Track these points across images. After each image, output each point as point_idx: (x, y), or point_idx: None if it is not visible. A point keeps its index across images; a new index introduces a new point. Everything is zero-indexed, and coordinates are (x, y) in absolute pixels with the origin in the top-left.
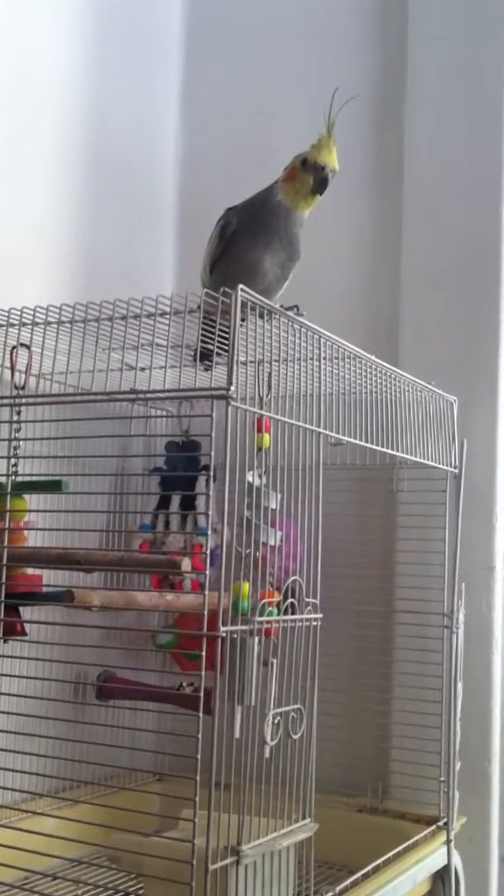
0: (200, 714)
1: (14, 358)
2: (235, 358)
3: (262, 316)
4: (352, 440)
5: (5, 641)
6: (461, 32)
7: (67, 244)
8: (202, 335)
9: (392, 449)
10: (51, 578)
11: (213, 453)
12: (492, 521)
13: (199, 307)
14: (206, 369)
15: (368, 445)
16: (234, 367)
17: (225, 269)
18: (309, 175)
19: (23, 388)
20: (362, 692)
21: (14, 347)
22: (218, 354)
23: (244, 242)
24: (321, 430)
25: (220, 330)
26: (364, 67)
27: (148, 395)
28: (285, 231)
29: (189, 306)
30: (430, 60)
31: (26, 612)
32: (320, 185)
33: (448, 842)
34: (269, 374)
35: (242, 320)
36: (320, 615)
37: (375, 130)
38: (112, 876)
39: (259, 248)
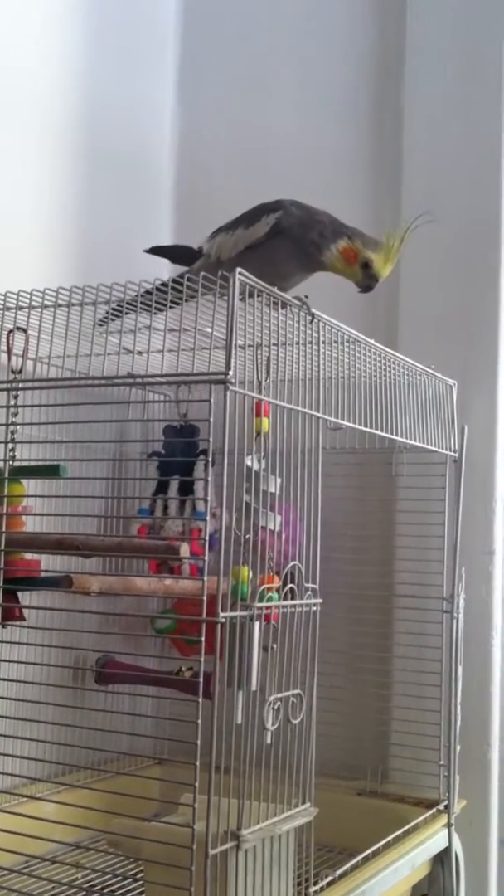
0: (200, 699)
1: (11, 341)
2: (234, 342)
3: (270, 306)
4: (351, 424)
5: (4, 627)
6: (460, 15)
7: (65, 227)
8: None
9: (391, 433)
10: (49, 564)
11: (211, 438)
12: (491, 505)
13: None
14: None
15: (368, 430)
16: (233, 352)
17: (256, 257)
18: (362, 275)
19: (20, 371)
20: (362, 676)
21: (11, 331)
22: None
23: (283, 251)
24: (320, 414)
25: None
26: (361, 50)
27: (146, 380)
28: (315, 267)
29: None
30: (429, 44)
31: (25, 598)
32: (365, 289)
33: (449, 825)
34: (268, 358)
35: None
36: (320, 600)
37: (374, 109)
38: (111, 861)
39: (293, 264)
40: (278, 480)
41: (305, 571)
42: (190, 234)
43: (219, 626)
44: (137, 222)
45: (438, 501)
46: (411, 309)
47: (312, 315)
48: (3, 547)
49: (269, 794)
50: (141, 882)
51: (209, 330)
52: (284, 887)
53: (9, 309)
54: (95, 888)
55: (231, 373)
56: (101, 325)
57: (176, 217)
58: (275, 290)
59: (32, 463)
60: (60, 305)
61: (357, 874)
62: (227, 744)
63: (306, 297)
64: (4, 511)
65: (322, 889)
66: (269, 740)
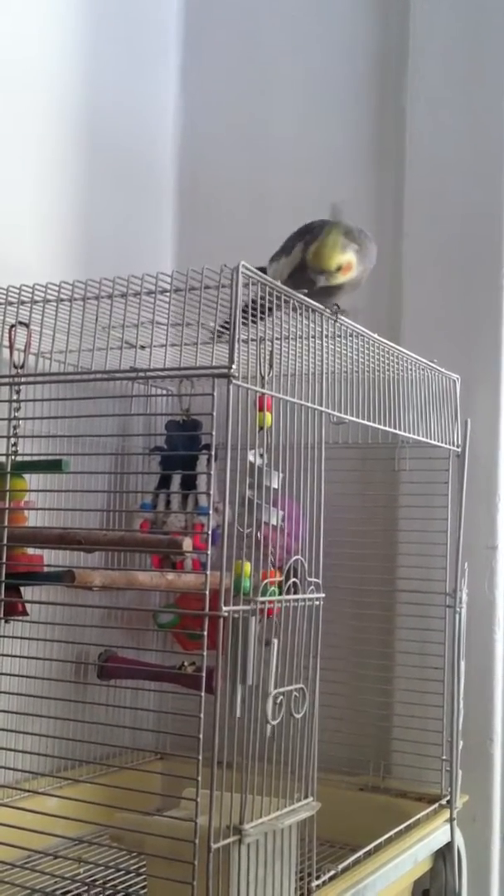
0: (202, 693)
1: (13, 336)
2: (237, 336)
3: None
4: (354, 419)
5: (6, 622)
6: (463, 11)
7: (67, 223)
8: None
9: (394, 427)
10: (52, 558)
11: (214, 432)
12: (494, 500)
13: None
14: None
15: (371, 424)
16: (236, 346)
17: (297, 281)
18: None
19: (22, 366)
20: (365, 671)
21: (13, 326)
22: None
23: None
24: (323, 408)
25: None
26: (364, 48)
27: (148, 374)
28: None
29: (190, 284)
30: (432, 41)
31: (27, 593)
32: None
33: (451, 820)
34: (271, 352)
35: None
36: (322, 595)
37: (377, 106)
38: (114, 855)
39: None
40: (280, 475)
41: (308, 566)
42: (192, 230)
43: (221, 620)
44: (140, 218)
45: (441, 496)
46: (415, 303)
47: (337, 317)
48: (5, 542)
49: (272, 788)
50: (143, 876)
51: (212, 324)
52: (287, 881)
53: (11, 304)
54: (98, 883)
55: (234, 367)
56: (218, 338)
57: (178, 213)
58: (256, 271)
59: (35, 458)
60: (62, 300)
61: (359, 869)
62: (229, 738)
63: (337, 306)
64: (7, 506)
65: (324, 883)
66: (271, 734)
